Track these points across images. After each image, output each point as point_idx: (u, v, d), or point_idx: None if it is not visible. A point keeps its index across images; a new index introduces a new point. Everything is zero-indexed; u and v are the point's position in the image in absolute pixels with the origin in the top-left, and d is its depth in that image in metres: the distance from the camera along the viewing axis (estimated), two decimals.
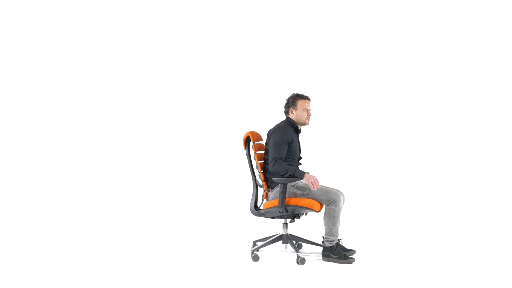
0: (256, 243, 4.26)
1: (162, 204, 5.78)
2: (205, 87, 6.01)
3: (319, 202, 3.90)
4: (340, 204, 3.90)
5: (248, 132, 4.10)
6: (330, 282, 3.51)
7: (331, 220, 3.90)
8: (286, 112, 4.13)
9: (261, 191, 4.15)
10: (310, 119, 4.10)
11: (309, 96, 4.12)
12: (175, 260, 4.04)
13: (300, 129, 4.15)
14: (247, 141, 4.12)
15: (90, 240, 4.68)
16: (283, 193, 3.86)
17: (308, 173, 3.92)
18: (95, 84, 5.98)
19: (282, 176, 3.88)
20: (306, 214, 4.10)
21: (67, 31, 5.91)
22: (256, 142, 4.08)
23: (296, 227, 4.40)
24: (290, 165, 3.94)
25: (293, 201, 3.91)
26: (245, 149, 4.14)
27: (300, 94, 4.11)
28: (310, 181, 3.85)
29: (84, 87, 5.98)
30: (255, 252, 4.00)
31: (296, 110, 4.07)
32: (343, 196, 3.99)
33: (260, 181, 4.11)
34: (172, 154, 5.98)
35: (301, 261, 3.87)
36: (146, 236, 4.88)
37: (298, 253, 3.91)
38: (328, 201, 3.89)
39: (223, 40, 5.99)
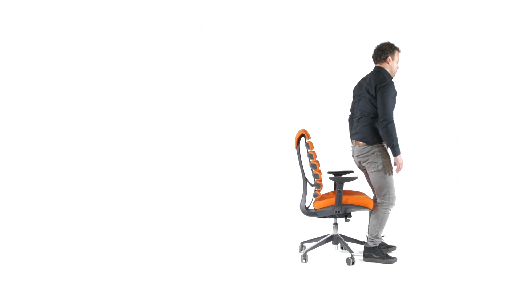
0: (304, 245, 4.18)
1: (211, 203, 5.73)
2: (257, 86, 5.98)
3: (375, 192, 3.85)
4: (390, 209, 3.87)
5: (301, 130, 4.00)
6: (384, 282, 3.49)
7: (379, 223, 3.86)
8: (383, 60, 3.79)
9: (311, 190, 4.08)
10: None
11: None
12: (223, 261, 3.97)
13: None
14: (299, 139, 4.05)
15: (143, 237, 4.61)
16: (340, 192, 3.81)
17: None
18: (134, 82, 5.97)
19: (387, 141, 3.68)
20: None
21: (71, 29, 5.85)
22: (311, 140, 3.99)
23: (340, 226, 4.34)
24: None
25: (351, 199, 3.84)
26: (296, 147, 4.08)
27: (394, 45, 3.81)
28: (398, 163, 3.77)
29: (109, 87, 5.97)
30: (306, 253, 3.92)
31: (393, 60, 3.80)
32: (395, 202, 3.94)
33: (313, 179, 4.03)
34: (220, 154, 5.96)
35: (354, 261, 3.83)
36: (196, 234, 4.84)
37: (352, 253, 3.85)
38: (384, 196, 3.81)
39: (275, 39, 5.94)
